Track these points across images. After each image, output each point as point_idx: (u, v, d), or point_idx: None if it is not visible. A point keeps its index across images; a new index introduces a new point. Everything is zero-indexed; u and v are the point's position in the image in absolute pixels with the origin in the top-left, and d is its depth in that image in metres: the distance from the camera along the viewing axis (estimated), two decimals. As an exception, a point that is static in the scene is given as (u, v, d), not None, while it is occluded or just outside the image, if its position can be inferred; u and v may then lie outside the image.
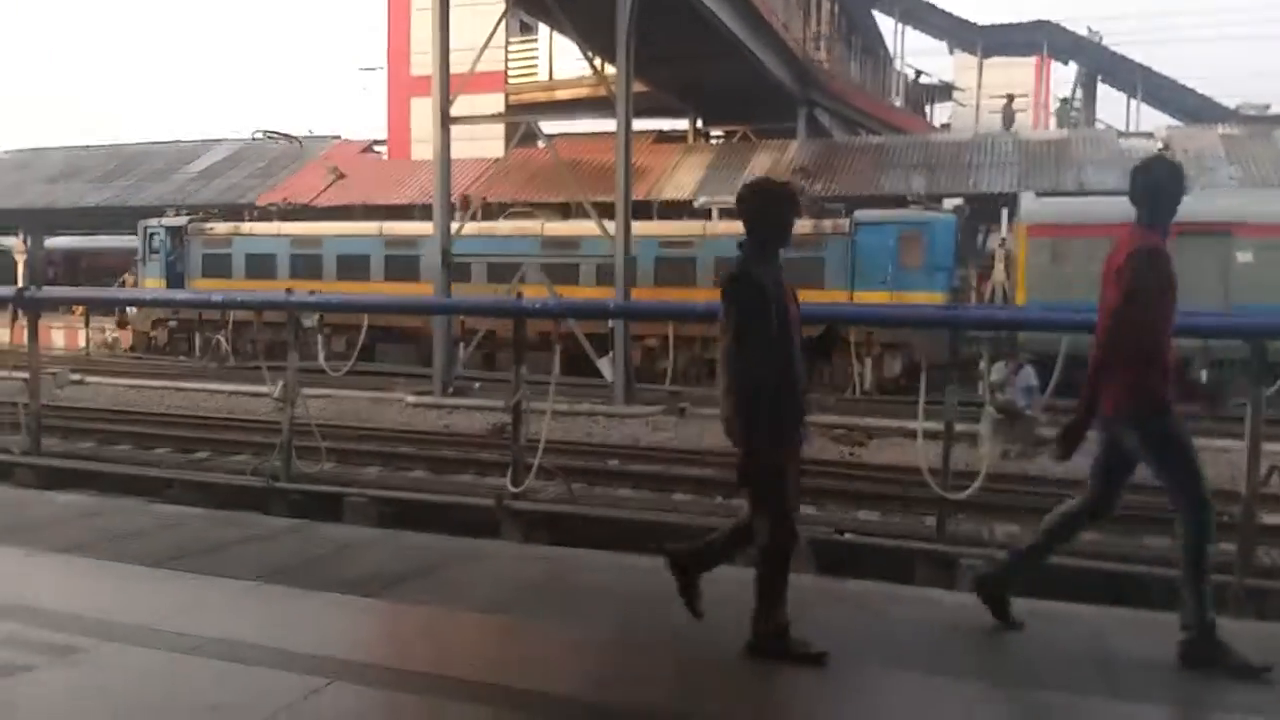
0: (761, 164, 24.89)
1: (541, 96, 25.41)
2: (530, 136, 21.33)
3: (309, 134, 32.41)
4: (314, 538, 5.68)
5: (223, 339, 20.35)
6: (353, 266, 20.65)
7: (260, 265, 21.71)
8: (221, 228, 23.25)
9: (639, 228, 17.19)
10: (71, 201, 28.57)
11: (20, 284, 19.29)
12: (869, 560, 6.50)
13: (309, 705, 3.20)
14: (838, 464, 10.49)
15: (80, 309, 24.23)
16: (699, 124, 28.67)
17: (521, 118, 20.24)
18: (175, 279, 22.58)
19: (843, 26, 33.00)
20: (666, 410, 13.67)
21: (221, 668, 3.49)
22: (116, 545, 5.23)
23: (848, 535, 7.08)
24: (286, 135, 30.66)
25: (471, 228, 18.81)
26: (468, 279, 18.30)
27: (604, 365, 15.36)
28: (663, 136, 28.16)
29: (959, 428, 6.63)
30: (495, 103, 23.94)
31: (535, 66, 26.51)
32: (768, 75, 23.55)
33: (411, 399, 15.03)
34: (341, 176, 26.63)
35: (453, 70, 16.23)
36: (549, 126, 20.79)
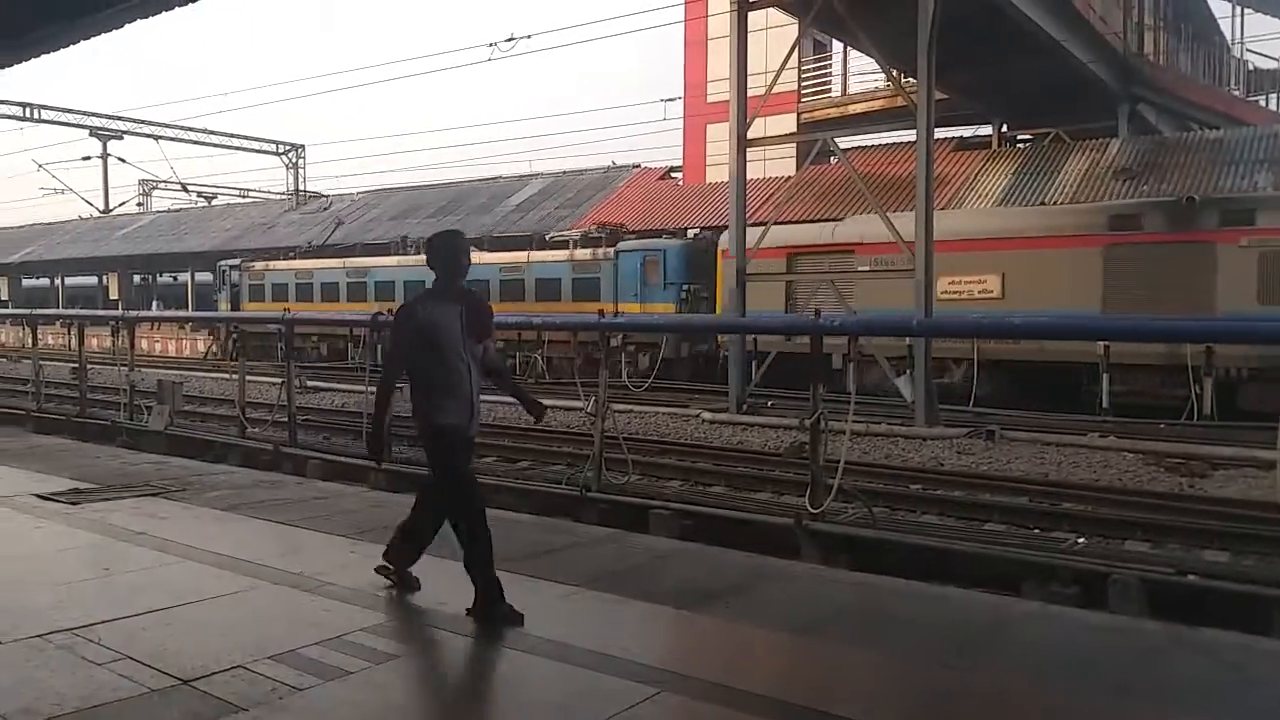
0: (1077, 166, 23.09)
1: (834, 113, 25.19)
2: (822, 154, 21.19)
3: (611, 165, 34.28)
4: (629, 547, 5.96)
5: (539, 357, 21.95)
6: (328, 291, 28.25)
7: (279, 291, 29.29)
8: (258, 265, 30.58)
9: (487, 258, 23.69)
10: (413, 236, 32.10)
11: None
12: (1215, 606, 5.79)
13: (641, 712, 3.34)
14: (1175, 497, 9.44)
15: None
16: (1003, 128, 27.09)
17: (815, 135, 20.17)
18: (235, 304, 30.20)
19: (1169, 13, 29.88)
20: (973, 433, 12.96)
21: (558, 668, 3.75)
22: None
23: (1191, 577, 6.35)
24: (316, 194, 39.09)
25: (337, 261, 28.39)
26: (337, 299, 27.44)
27: (902, 384, 14.86)
28: (963, 144, 26.91)
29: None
30: (786, 123, 24.05)
31: (828, 84, 26.36)
32: (1084, 73, 21.81)
33: (707, 415, 15.36)
34: (340, 224, 33.87)
35: (749, 94, 16.51)
36: (841, 143, 20.61)
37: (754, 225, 17.37)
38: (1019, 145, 26.88)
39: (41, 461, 8.95)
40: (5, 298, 47.67)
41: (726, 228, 17.85)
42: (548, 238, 24.52)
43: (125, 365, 13.83)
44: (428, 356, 4.44)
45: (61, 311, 30.64)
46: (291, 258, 30.08)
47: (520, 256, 23.99)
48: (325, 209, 40.13)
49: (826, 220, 20.64)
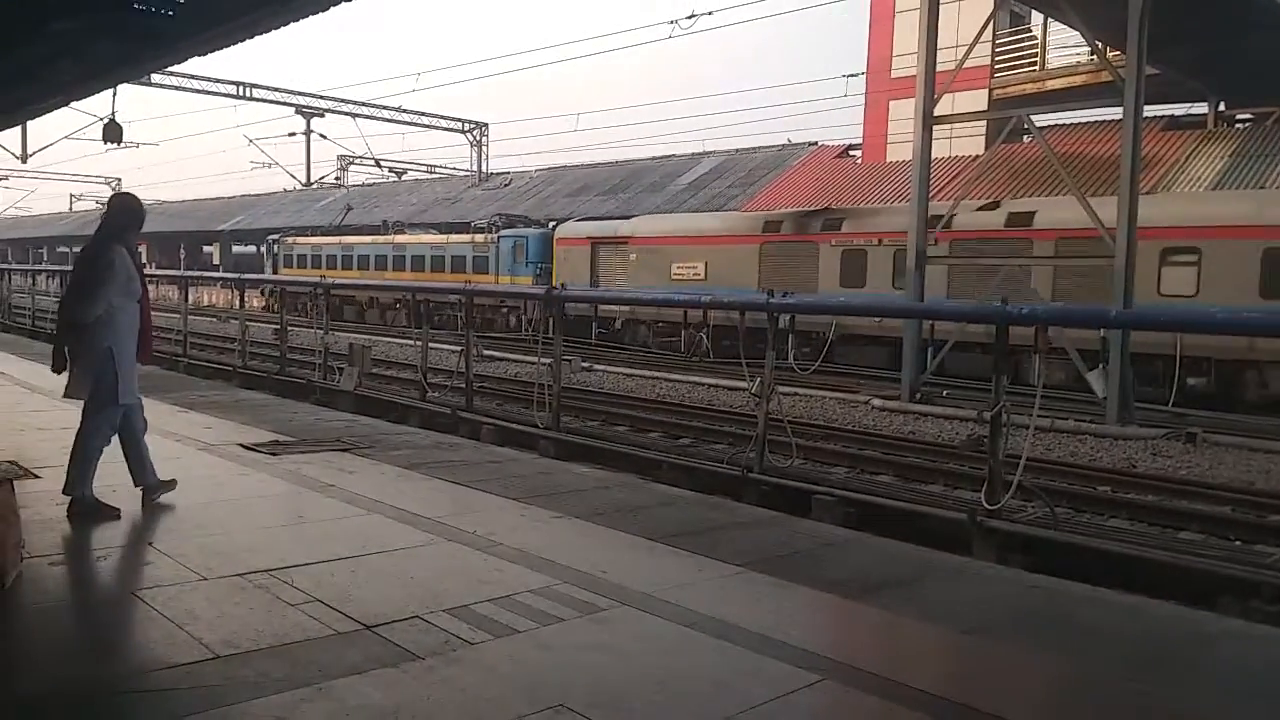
0: (1305, 150, 20.96)
1: (1030, 88, 23.78)
2: (1014, 132, 20.07)
3: (787, 142, 33.74)
4: (793, 531, 5.86)
5: (704, 336, 21.96)
6: (330, 261, 34.95)
7: (300, 261, 36.78)
8: (288, 239, 38.39)
9: (423, 238, 32.69)
10: (585, 212, 32.82)
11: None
12: None
13: (803, 698, 3.29)
14: None
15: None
16: (1220, 107, 24.86)
17: (1009, 112, 19.13)
18: (275, 268, 37.62)
19: None
20: (1171, 434, 12.03)
21: (718, 645, 3.73)
22: (624, 517, 5.86)
23: None
24: (337, 184, 46.71)
25: (336, 239, 35.98)
26: (335, 267, 34.21)
27: (1094, 379, 13.95)
28: (1174, 123, 24.89)
29: None
30: (976, 99, 22.94)
31: (1024, 58, 24.93)
32: (1317, 45, 19.66)
33: (877, 402, 14.95)
34: (349, 209, 39.60)
35: (937, 69, 15.83)
36: (1037, 121, 19.48)
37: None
38: (1237, 125, 24.64)
39: (245, 414, 9.70)
40: (217, 262, 51.91)
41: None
42: (473, 224, 31.64)
43: (320, 328, 14.80)
44: None
45: (266, 277, 33.18)
46: (315, 235, 37.94)
47: (442, 238, 31.88)
48: (506, 185, 41.47)
49: (616, 218, 28.25)
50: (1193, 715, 3.37)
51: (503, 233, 29.00)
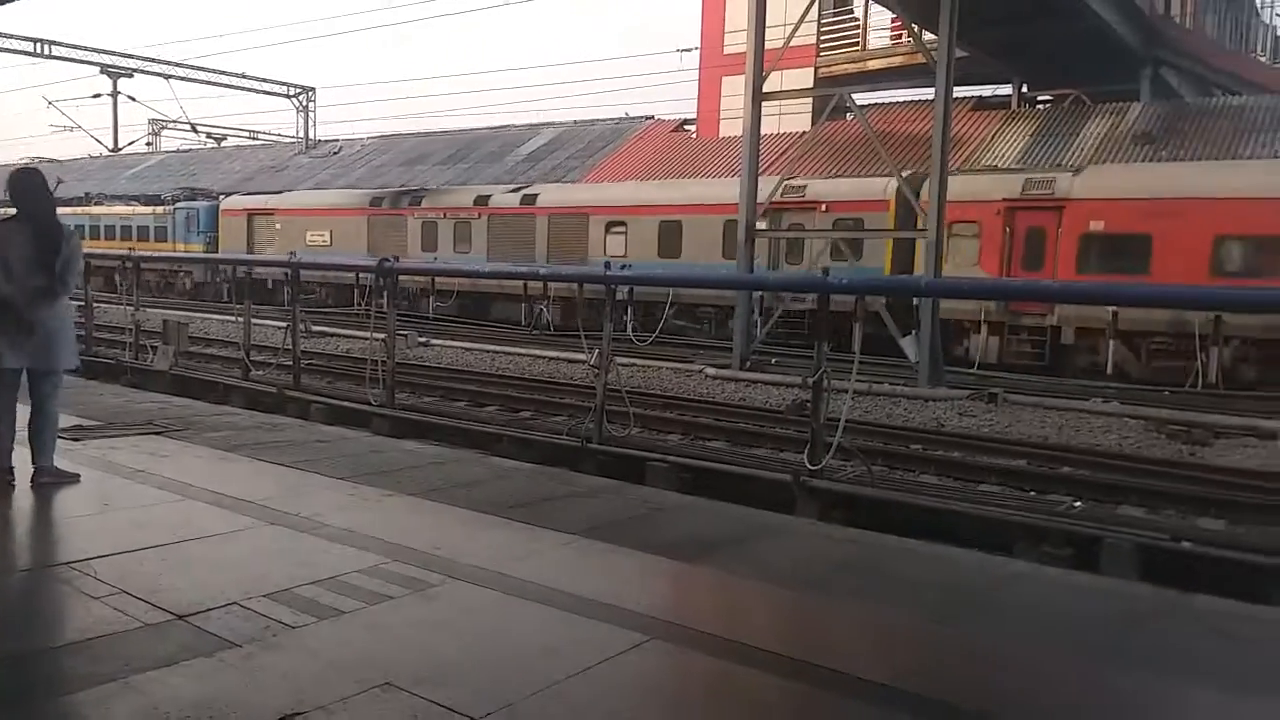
0: (1096, 130, 22.80)
1: (852, 68, 24.79)
2: (838, 110, 20.86)
3: (625, 116, 33.89)
4: (628, 498, 5.97)
5: (545, 309, 21.89)
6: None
7: None
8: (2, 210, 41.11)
9: (116, 209, 34.53)
10: (422, 182, 32.00)
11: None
12: (1209, 573, 5.80)
13: (630, 659, 3.37)
14: (1174, 464, 9.43)
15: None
16: (1024, 88, 26.68)
17: (832, 90, 19.88)
18: None
19: (1198, -27, 29.20)
20: (975, 395, 12.94)
21: (551, 614, 3.77)
22: (459, 492, 5.81)
23: (1186, 544, 6.35)
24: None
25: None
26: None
27: (907, 344, 14.81)
28: (982, 103, 26.52)
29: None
30: (804, 77, 23.71)
31: (847, 39, 25.93)
32: (1107, 34, 21.36)
33: (711, 371, 15.35)
34: (61, 182, 42.10)
35: (766, 46, 16.24)
36: (858, 99, 20.35)
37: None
38: (1039, 106, 26.51)
39: (46, 397, 8.95)
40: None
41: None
42: (163, 197, 33.99)
43: (130, 305, 13.85)
44: None
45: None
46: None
47: (129, 210, 34.27)
48: (335, 153, 39.89)
49: (271, 193, 31.73)
50: (991, 652, 3.67)
51: (178, 205, 31.85)
